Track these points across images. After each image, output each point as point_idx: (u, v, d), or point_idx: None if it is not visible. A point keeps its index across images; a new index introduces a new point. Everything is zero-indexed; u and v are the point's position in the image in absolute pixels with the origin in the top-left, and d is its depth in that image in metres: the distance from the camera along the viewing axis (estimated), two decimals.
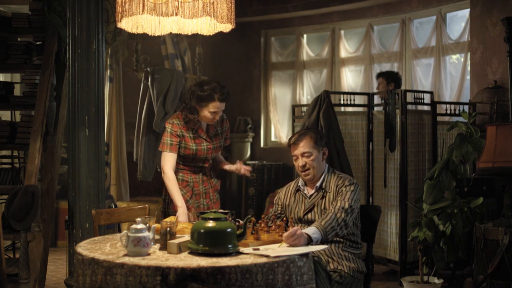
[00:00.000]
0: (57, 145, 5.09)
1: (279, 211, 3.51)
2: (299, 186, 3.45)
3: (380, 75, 6.26)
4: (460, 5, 6.56)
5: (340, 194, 3.26)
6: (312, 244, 2.96)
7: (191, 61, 7.56)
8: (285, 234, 2.89)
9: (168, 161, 3.85)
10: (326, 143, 3.49)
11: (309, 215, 3.33)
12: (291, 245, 2.85)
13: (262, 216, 3.30)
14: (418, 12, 7.05)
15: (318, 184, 3.37)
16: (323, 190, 3.35)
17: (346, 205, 3.19)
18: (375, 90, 6.38)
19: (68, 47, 4.49)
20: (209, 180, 4.04)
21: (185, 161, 3.94)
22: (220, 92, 3.79)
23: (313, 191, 3.38)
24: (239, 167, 4.00)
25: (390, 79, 6.08)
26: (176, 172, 3.90)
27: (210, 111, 3.80)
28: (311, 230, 3.01)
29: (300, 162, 3.37)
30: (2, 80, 6.62)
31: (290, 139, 3.45)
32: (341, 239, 3.28)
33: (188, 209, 3.84)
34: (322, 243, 3.04)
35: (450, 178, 4.69)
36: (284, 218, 3.20)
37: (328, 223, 3.09)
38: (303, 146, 3.35)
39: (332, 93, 5.71)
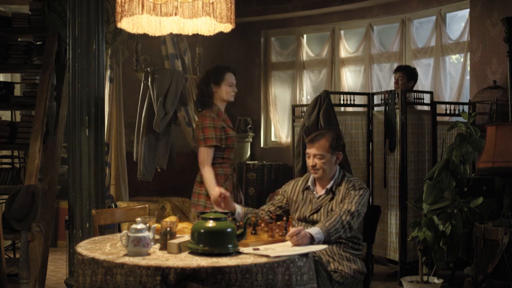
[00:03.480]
0: (57, 145, 5.10)
1: (284, 203, 3.50)
2: (308, 185, 3.44)
3: (399, 69, 6.01)
4: (460, 5, 6.56)
5: (348, 196, 3.25)
6: (313, 244, 2.96)
7: (191, 61, 7.55)
8: (289, 232, 2.89)
9: (210, 156, 3.99)
10: (344, 145, 3.47)
11: (315, 216, 3.32)
12: (295, 245, 2.85)
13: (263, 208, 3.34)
14: (418, 12, 7.06)
15: (328, 186, 3.36)
16: (333, 193, 3.34)
17: (353, 208, 3.17)
18: (392, 86, 6.20)
19: (68, 47, 4.49)
20: (233, 172, 4.25)
21: (224, 154, 4.07)
22: (225, 65, 4.15)
23: (323, 192, 3.37)
24: None
25: (410, 76, 5.93)
26: (216, 167, 4.03)
27: (228, 83, 4.07)
28: (314, 230, 3.01)
29: (311, 162, 3.37)
30: (2, 80, 6.63)
31: (308, 136, 3.45)
32: (343, 240, 3.27)
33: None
34: (324, 244, 3.03)
35: (450, 178, 4.69)
36: (284, 218, 3.20)
37: (332, 224, 3.08)
38: (317, 148, 3.34)
39: (332, 93, 5.71)
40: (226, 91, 4.09)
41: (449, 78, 6.71)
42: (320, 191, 3.40)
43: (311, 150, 3.37)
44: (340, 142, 3.41)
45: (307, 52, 8.16)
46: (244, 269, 2.47)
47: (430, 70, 6.87)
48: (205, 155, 3.98)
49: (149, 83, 6.43)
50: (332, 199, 3.32)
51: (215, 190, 3.87)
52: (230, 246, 2.66)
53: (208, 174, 3.96)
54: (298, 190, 3.46)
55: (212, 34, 3.45)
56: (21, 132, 4.93)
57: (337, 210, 3.19)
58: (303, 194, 3.44)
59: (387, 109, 5.52)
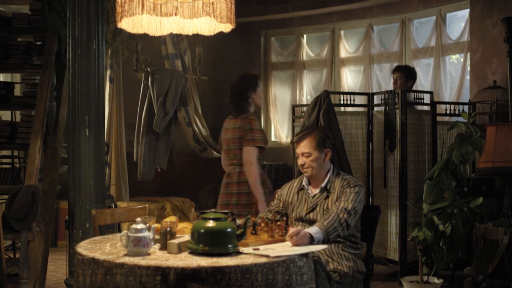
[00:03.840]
0: (57, 145, 5.10)
1: (280, 207, 3.51)
2: (303, 185, 3.45)
3: (397, 69, 5.99)
4: (460, 5, 6.57)
5: (344, 194, 3.25)
6: (313, 244, 2.96)
7: (191, 61, 7.55)
8: (289, 233, 2.89)
9: (257, 155, 4.30)
10: (333, 144, 3.50)
11: (311, 215, 3.33)
12: (295, 245, 2.85)
13: (261, 215, 3.30)
14: (418, 12, 7.06)
15: (322, 184, 3.36)
16: (327, 191, 3.35)
17: (349, 206, 3.18)
18: (390, 87, 6.21)
19: (68, 47, 4.49)
20: None
21: (262, 155, 4.43)
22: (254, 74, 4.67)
23: (317, 191, 3.38)
24: None
25: (409, 75, 5.91)
26: (259, 167, 4.34)
27: (261, 89, 4.49)
28: (313, 230, 3.00)
29: (300, 161, 3.40)
30: (2, 80, 6.62)
31: (294, 136, 3.49)
32: (341, 239, 3.27)
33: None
34: (323, 243, 3.03)
35: (450, 178, 4.69)
36: (284, 218, 3.20)
37: (331, 223, 3.09)
38: (304, 146, 3.38)
39: (332, 93, 5.71)
40: (260, 97, 4.47)
41: (449, 78, 6.71)
42: (314, 190, 3.41)
43: (298, 149, 3.42)
44: (327, 140, 3.42)
45: (307, 52, 8.17)
46: (244, 269, 2.46)
47: (430, 70, 6.87)
48: (253, 154, 4.26)
49: (149, 83, 6.44)
50: (327, 197, 3.33)
51: (262, 194, 4.24)
52: (230, 246, 2.66)
53: (257, 176, 4.24)
54: (293, 191, 3.48)
55: (212, 34, 3.45)
56: (21, 132, 4.93)
57: (334, 209, 3.19)
58: (298, 195, 3.45)
59: (387, 109, 5.52)
